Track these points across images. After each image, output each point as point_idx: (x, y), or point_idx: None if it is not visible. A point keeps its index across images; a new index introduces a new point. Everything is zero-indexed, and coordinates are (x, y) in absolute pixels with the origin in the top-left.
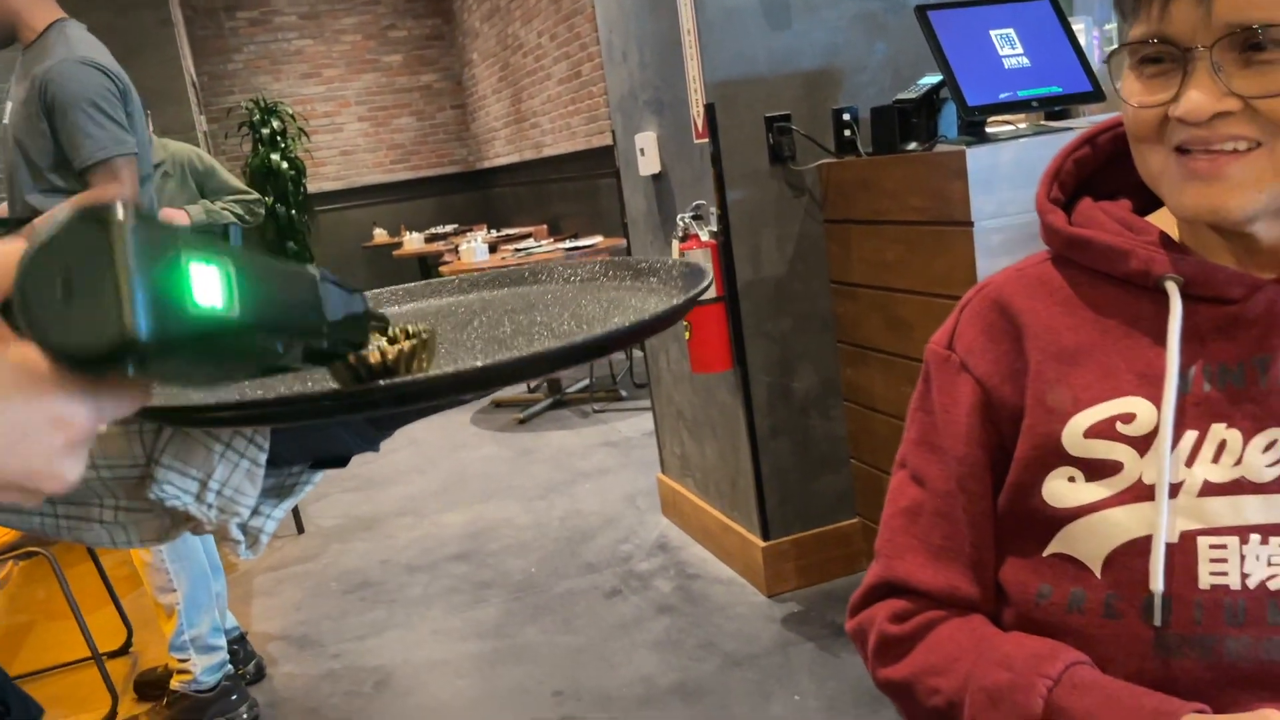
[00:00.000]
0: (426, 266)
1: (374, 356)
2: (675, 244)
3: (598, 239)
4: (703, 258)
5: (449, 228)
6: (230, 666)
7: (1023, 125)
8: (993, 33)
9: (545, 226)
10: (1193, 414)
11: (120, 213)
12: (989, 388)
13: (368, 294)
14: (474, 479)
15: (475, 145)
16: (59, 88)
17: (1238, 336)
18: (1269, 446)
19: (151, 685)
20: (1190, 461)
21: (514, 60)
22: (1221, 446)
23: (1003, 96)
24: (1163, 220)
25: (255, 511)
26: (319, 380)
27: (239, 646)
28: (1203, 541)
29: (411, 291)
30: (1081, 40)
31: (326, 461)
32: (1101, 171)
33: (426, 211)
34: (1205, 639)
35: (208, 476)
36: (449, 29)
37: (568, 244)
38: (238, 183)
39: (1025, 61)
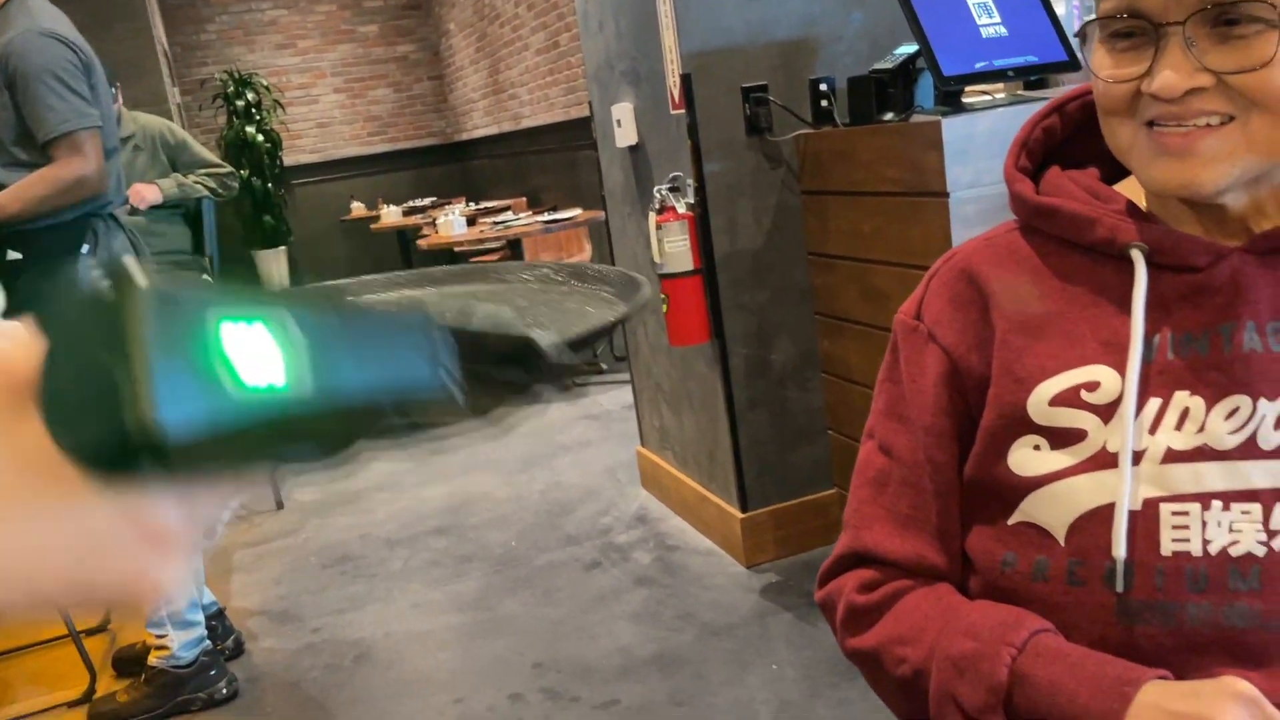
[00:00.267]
0: (405, 240)
1: None
2: (652, 216)
3: (576, 211)
4: (680, 229)
5: (427, 201)
6: (209, 642)
7: (999, 95)
8: (970, 1)
9: (524, 199)
10: (1156, 382)
11: (133, 277)
12: (956, 357)
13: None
14: (453, 452)
15: (453, 117)
16: (20, 59)
17: (1202, 304)
18: (1231, 414)
19: (130, 661)
20: (1153, 429)
21: (491, 30)
22: (1184, 414)
23: (979, 66)
24: (1130, 189)
25: None
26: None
27: (217, 622)
28: (1165, 509)
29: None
30: (1060, 10)
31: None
32: (1070, 140)
33: (404, 184)
34: (1167, 605)
35: None
36: None
37: (546, 216)
38: (211, 156)
39: (1003, 30)
